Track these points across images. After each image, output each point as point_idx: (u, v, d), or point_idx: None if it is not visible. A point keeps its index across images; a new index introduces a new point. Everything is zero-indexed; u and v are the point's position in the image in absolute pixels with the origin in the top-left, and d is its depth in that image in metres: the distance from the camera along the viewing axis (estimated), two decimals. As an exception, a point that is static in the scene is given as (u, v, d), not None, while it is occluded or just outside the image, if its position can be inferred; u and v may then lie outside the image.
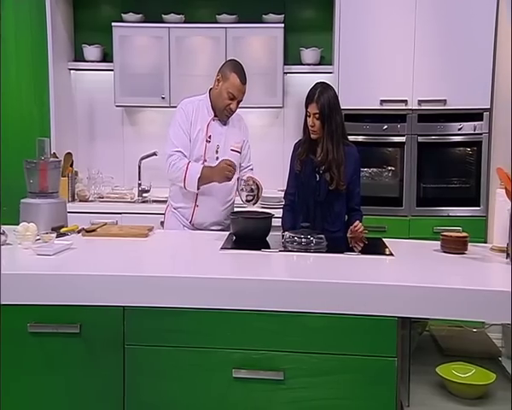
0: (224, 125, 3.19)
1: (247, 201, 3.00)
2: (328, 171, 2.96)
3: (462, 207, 4.15)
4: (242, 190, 3.01)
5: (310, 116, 2.97)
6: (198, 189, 3.03)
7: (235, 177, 3.15)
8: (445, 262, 2.39)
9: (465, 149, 4.19)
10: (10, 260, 2.32)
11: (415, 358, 2.31)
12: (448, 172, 4.18)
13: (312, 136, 3.00)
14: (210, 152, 3.12)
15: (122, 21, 4.48)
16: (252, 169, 3.35)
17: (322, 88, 2.98)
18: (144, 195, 4.56)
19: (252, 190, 2.98)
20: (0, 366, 2.09)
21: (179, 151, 3.06)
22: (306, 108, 2.99)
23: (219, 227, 3.16)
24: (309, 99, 2.97)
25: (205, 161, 3.11)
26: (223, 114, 3.13)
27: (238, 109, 3.19)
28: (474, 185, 4.16)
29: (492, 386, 2.15)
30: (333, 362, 2.03)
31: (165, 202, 4.41)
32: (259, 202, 4.32)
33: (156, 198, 4.49)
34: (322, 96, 2.93)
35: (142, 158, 4.60)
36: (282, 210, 3.20)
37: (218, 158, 3.11)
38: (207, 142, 3.11)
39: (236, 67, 3.13)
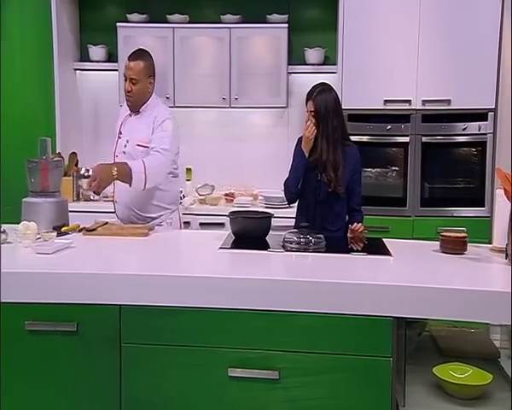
0: (138, 120, 3.15)
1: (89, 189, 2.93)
2: (324, 173, 2.96)
3: (467, 208, 4.13)
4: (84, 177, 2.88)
5: (308, 113, 2.98)
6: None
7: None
8: (443, 263, 2.38)
9: (470, 149, 4.16)
10: (10, 258, 2.34)
11: (413, 358, 2.31)
12: (452, 172, 4.16)
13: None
14: (119, 147, 3.16)
15: (127, 22, 4.50)
16: (158, 151, 2.99)
17: (321, 88, 3.00)
18: (149, 194, 4.58)
19: (95, 179, 2.82)
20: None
21: None
22: (306, 105, 3.02)
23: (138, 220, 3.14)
24: (307, 96, 3.01)
25: (116, 156, 3.17)
26: (128, 101, 3.15)
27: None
28: (479, 186, 4.13)
29: (490, 387, 2.14)
30: (328, 362, 2.04)
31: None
32: (265, 201, 4.33)
33: (161, 198, 4.51)
34: (320, 96, 2.95)
35: (147, 158, 4.62)
36: (284, 185, 3.14)
37: (124, 152, 3.13)
38: (119, 138, 3.17)
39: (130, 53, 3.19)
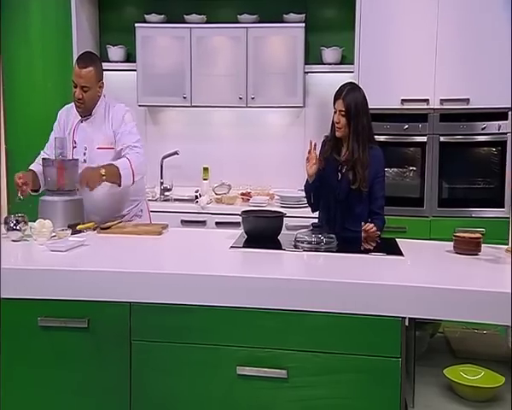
0: (91, 123, 3.06)
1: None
2: (352, 170, 2.95)
3: (486, 209, 4.07)
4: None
5: (336, 113, 2.98)
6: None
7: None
8: (455, 263, 2.36)
9: (489, 148, 4.10)
10: (24, 255, 2.39)
11: (425, 359, 2.29)
12: (471, 172, 4.11)
13: (337, 133, 3.00)
14: (77, 156, 3.01)
15: (145, 22, 4.55)
16: (135, 146, 2.99)
17: (350, 87, 3.00)
18: (166, 193, 4.63)
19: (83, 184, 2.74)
20: (1, 359, 2.16)
21: (44, 155, 3.08)
22: (334, 104, 3.00)
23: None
24: (336, 95, 2.99)
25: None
26: (78, 108, 3.05)
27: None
28: (499, 186, 4.06)
29: (502, 389, 2.11)
30: (337, 361, 2.03)
31: (187, 200, 4.49)
32: (275, 201, 4.33)
33: (178, 197, 4.56)
34: (350, 95, 2.94)
35: (165, 157, 4.66)
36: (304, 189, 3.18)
37: (85, 160, 3.00)
38: (74, 147, 3.05)
39: (78, 57, 3.09)
